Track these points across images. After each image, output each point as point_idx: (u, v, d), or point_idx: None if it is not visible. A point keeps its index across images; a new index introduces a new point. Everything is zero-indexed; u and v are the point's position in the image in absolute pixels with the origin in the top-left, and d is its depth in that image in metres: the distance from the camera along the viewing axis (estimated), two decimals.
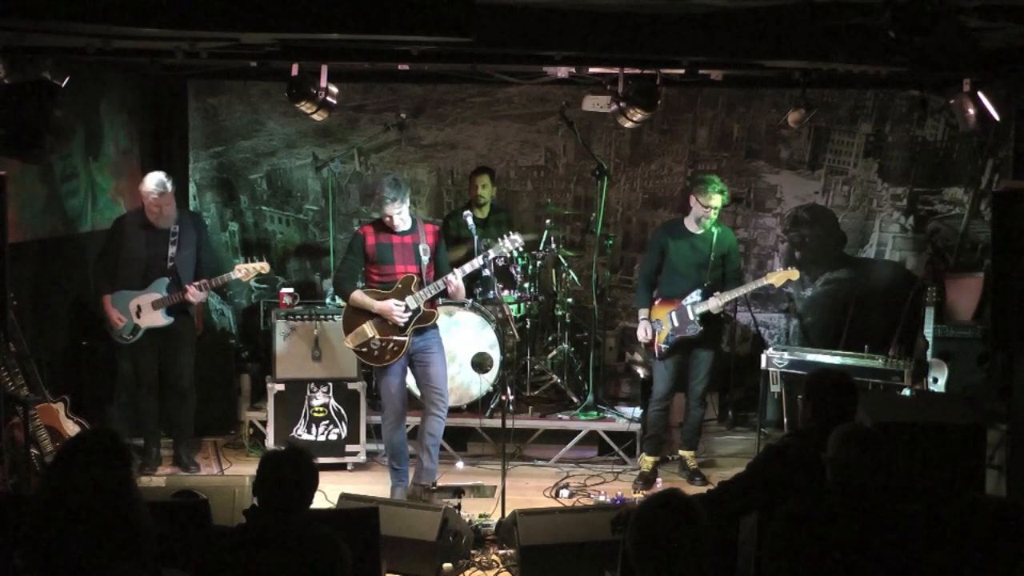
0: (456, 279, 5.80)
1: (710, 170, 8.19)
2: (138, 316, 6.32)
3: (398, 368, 5.91)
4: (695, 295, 6.25)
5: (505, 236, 6.02)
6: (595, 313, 7.11)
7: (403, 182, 5.84)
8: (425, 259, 5.84)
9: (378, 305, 5.80)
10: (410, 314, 5.81)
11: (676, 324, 6.32)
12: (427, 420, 5.99)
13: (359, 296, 5.85)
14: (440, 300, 6.05)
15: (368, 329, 5.84)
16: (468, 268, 5.92)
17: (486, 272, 6.18)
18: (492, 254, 5.98)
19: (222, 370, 7.24)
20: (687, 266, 6.35)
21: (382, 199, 5.74)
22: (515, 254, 6.47)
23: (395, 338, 5.83)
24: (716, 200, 6.22)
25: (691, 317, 6.25)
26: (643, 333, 6.46)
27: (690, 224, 6.36)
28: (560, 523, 5.06)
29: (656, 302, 6.47)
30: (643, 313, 6.50)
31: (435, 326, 6.01)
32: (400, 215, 5.79)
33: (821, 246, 8.21)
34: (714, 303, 6.18)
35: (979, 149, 7.90)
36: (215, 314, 8.33)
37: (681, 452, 6.66)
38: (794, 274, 6.31)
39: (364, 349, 5.88)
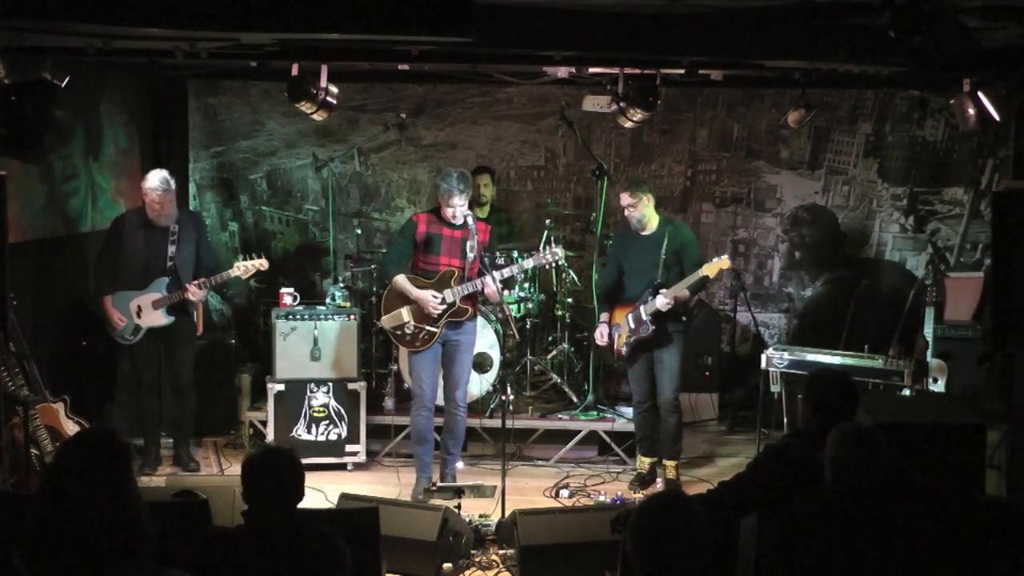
0: (494, 283, 5.87)
1: (709, 170, 8.21)
2: (139, 316, 6.32)
3: (431, 357, 6.03)
4: (646, 295, 6.22)
5: (547, 247, 6.08)
6: (595, 313, 7.11)
7: (470, 177, 5.97)
8: (471, 255, 5.94)
9: (416, 293, 5.92)
10: (445, 306, 5.92)
11: (632, 326, 6.28)
12: (446, 417, 6.18)
13: (401, 281, 5.98)
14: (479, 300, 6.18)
15: (405, 314, 5.98)
16: (507, 273, 6.03)
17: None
18: (532, 263, 6.05)
19: (222, 370, 7.23)
20: (641, 268, 6.30)
21: (450, 190, 5.81)
22: (554, 266, 6.43)
23: (427, 327, 5.96)
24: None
25: (644, 317, 6.21)
26: (599, 336, 6.47)
27: (635, 227, 6.32)
28: (560, 523, 5.06)
29: (618, 306, 6.45)
30: (603, 317, 6.50)
31: (473, 319, 6.13)
32: (462, 208, 5.87)
33: (821, 246, 8.21)
34: (660, 301, 6.07)
35: (979, 149, 7.90)
36: (215, 314, 8.32)
37: (664, 461, 6.49)
38: (725, 263, 6.11)
39: (398, 332, 6.04)
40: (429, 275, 5.98)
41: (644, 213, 6.23)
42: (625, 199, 6.22)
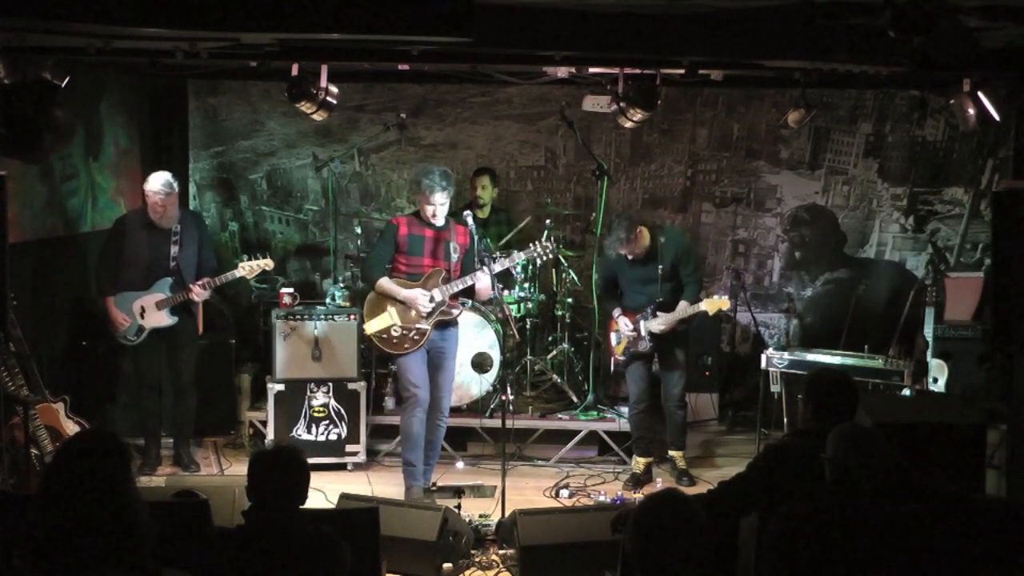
0: (485, 276, 5.76)
1: (709, 170, 8.20)
2: (142, 317, 6.32)
3: (419, 358, 5.88)
4: (647, 312, 6.28)
5: (537, 242, 5.96)
6: (595, 313, 7.11)
7: (452, 176, 5.85)
8: (455, 256, 5.86)
9: (404, 293, 5.81)
10: (434, 305, 5.82)
11: (632, 336, 6.37)
12: (428, 426, 6.01)
13: (386, 283, 5.86)
14: (468, 303, 6.11)
15: (391, 316, 5.85)
16: (497, 267, 5.86)
17: None
18: (523, 256, 5.95)
19: (222, 370, 7.23)
20: (639, 283, 6.36)
21: (431, 186, 5.70)
22: (547, 259, 6.33)
23: (417, 326, 5.83)
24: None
25: (642, 334, 6.29)
26: (623, 325, 6.41)
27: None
28: (560, 523, 5.06)
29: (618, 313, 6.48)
30: (616, 312, 6.48)
31: (455, 325, 6.04)
32: (443, 207, 5.80)
33: (821, 246, 8.21)
34: (655, 324, 6.22)
35: (979, 149, 7.90)
36: (215, 314, 8.31)
37: (670, 452, 6.66)
38: (725, 303, 6.23)
39: (384, 336, 5.87)
40: (414, 277, 5.86)
41: (644, 245, 6.25)
42: (627, 249, 6.19)
